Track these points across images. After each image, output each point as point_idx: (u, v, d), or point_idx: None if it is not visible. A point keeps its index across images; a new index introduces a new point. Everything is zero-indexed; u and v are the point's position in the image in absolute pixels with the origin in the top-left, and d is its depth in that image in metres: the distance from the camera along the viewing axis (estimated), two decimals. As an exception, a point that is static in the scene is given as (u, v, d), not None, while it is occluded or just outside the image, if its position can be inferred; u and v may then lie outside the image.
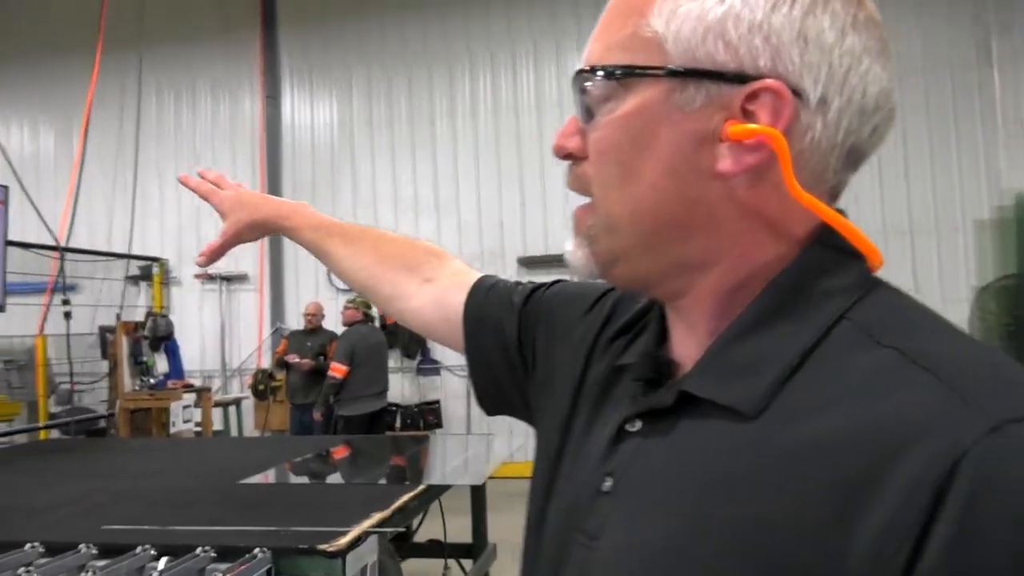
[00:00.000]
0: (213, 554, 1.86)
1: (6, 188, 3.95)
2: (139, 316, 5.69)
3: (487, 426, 7.50)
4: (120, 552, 1.91)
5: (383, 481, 2.87)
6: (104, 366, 5.59)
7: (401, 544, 3.27)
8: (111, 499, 2.50)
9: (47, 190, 7.77)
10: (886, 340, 0.48)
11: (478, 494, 3.36)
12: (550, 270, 6.88)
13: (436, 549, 3.32)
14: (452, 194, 7.71)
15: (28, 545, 1.95)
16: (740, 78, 0.51)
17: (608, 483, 0.57)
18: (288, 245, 7.86)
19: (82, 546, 1.93)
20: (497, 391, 0.85)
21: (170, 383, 4.97)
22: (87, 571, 1.82)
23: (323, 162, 7.93)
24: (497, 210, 7.65)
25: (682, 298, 0.58)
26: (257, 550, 1.83)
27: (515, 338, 0.82)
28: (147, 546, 1.90)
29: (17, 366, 6.18)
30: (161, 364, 5.13)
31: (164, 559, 1.88)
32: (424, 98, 7.80)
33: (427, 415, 7.22)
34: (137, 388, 4.84)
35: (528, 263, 7.42)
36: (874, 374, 0.47)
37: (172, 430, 4.60)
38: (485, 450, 3.57)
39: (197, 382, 7.17)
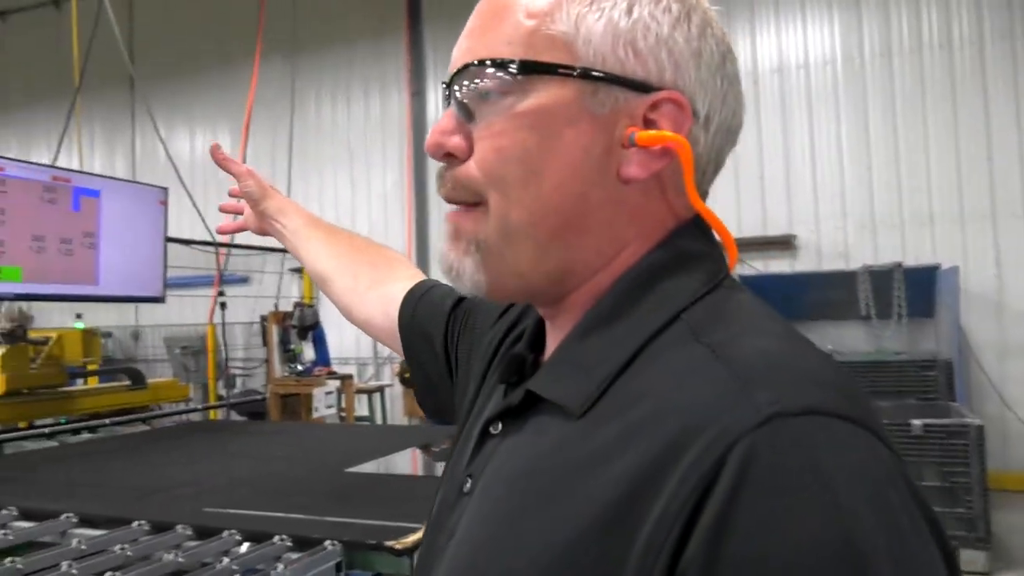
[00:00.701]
0: (289, 543, 1.88)
1: (165, 190, 4.29)
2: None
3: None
4: (211, 535, 1.98)
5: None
6: (264, 353, 5.99)
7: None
8: (225, 482, 2.62)
9: (219, 191, 8.48)
10: (703, 337, 0.49)
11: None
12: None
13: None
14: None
15: (136, 523, 2.08)
16: (645, 87, 0.53)
17: (468, 484, 0.59)
18: (435, 234, 8.08)
19: (179, 527, 2.02)
20: (433, 395, 0.87)
21: (316, 370, 5.24)
22: (176, 551, 1.90)
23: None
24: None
25: (561, 303, 0.58)
26: (328, 542, 1.83)
27: (442, 343, 0.83)
28: (234, 531, 1.96)
29: (192, 352, 6.81)
30: (308, 352, 5.43)
31: (246, 544, 1.93)
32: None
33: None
34: (286, 374, 5.14)
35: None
36: (682, 369, 0.47)
37: (315, 415, 4.84)
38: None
39: (352, 370, 7.54)
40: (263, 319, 6.01)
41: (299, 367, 5.16)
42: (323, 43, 8.52)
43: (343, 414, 5.36)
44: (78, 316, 6.06)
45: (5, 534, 2.06)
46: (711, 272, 0.54)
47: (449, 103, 0.58)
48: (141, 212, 4.18)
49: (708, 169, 0.57)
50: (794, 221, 6.57)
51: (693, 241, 0.55)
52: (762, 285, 5.50)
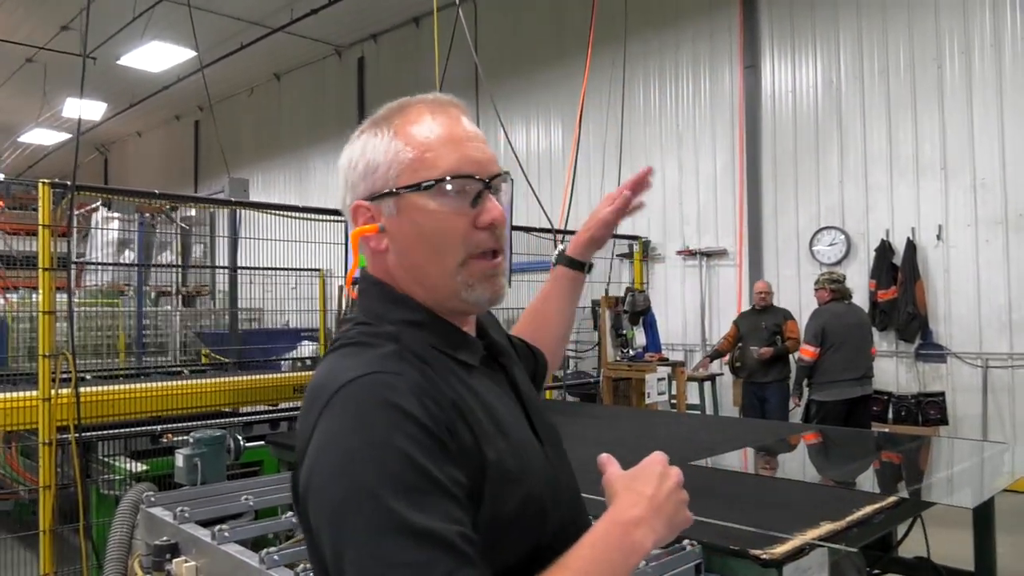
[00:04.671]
0: (644, 537, 1.82)
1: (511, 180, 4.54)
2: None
3: (1013, 430, 6.17)
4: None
5: (849, 483, 2.50)
6: (596, 336, 6.14)
7: (878, 555, 2.83)
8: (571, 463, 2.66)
9: (551, 181, 8.87)
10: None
11: (983, 510, 2.71)
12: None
13: (926, 571, 2.79)
14: (964, 150, 6.48)
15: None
16: None
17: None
18: (768, 219, 7.59)
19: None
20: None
21: (647, 356, 5.21)
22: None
23: (806, 128, 7.41)
24: (1028, 165, 6.19)
25: None
26: (687, 542, 1.73)
27: None
28: (589, 517, 1.95)
29: (531, 334, 7.22)
30: (639, 337, 5.41)
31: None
32: (928, 36, 6.68)
33: (928, 409, 6.22)
34: (618, 359, 5.18)
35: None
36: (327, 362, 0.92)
37: (647, 401, 4.81)
38: (997, 461, 2.87)
39: (679, 356, 7.42)
40: (595, 304, 6.16)
41: (630, 352, 5.18)
42: (651, 26, 8.46)
43: (674, 401, 5.27)
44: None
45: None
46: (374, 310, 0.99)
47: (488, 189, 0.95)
48: (490, 202, 4.50)
49: None
50: None
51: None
52: None
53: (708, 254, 7.99)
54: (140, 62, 10.87)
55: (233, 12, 10.38)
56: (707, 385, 7.17)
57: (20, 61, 12.36)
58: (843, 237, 7.09)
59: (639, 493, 0.89)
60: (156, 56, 10.62)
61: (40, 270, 3.58)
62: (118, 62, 10.96)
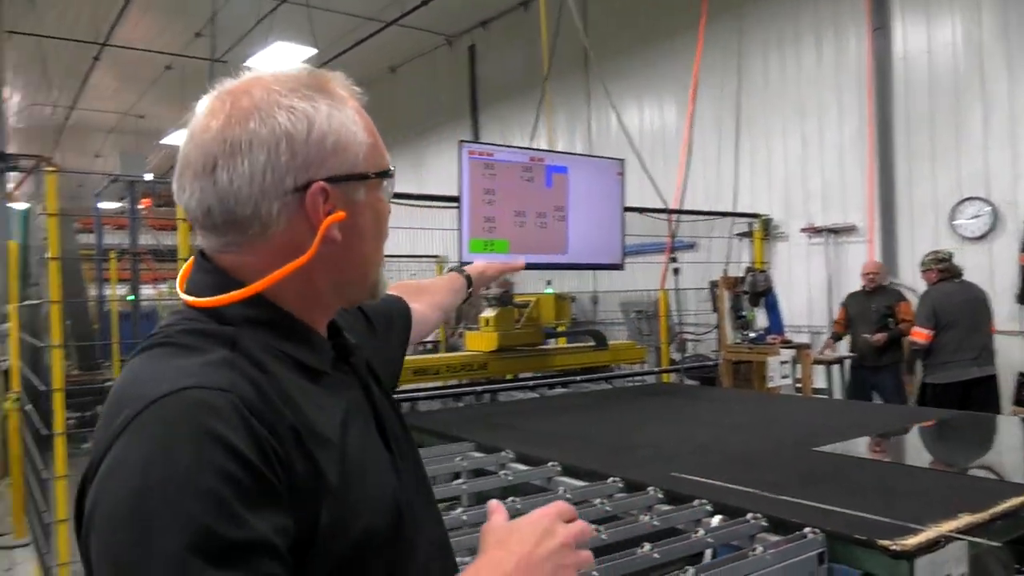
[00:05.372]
0: (764, 523, 1.77)
1: (622, 161, 4.48)
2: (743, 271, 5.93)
3: None
4: (681, 501, 1.97)
5: (991, 472, 2.32)
6: (715, 318, 5.98)
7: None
8: (688, 448, 2.62)
9: (665, 160, 8.68)
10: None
11: None
12: None
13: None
14: None
15: (611, 479, 2.17)
16: None
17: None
18: (902, 191, 7.12)
19: (650, 488, 2.06)
20: None
21: (769, 338, 5.02)
22: (650, 514, 1.92)
23: (943, 91, 6.86)
24: None
25: None
26: (808, 529, 1.66)
27: None
28: (704, 501, 1.92)
29: (646, 316, 7.14)
30: (761, 318, 5.23)
31: (717, 517, 1.86)
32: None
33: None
34: (738, 341, 5.03)
35: None
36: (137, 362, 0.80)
37: (769, 385, 4.64)
38: None
39: (804, 338, 7.11)
40: (713, 284, 5.99)
41: (751, 334, 5.01)
42: (769, -6, 8.08)
43: (799, 386, 5.06)
44: (548, 283, 6.79)
45: (505, 474, 2.33)
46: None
47: None
48: (602, 184, 4.45)
49: None
50: None
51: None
52: None
53: (835, 231, 7.59)
54: (266, 63, 11.46)
55: (349, 9, 10.73)
56: (835, 368, 6.83)
57: (160, 69, 13.30)
58: (989, 208, 6.54)
59: (510, 551, 0.78)
60: (280, 56, 11.16)
61: (178, 261, 3.93)
62: (246, 64, 11.60)
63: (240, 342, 0.78)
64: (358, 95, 0.93)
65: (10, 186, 8.89)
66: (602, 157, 4.90)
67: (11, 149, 9.26)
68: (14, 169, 7.96)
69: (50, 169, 3.88)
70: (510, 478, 2.31)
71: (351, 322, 1.11)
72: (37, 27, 10.91)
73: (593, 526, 1.95)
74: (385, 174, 0.91)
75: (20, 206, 8.63)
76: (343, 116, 0.86)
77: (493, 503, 0.86)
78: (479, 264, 1.68)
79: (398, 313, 1.34)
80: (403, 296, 1.40)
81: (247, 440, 0.68)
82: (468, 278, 1.62)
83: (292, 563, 0.70)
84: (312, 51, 10.39)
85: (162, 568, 0.62)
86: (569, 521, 0.81)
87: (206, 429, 0.67)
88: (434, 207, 4.83)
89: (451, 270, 1.65)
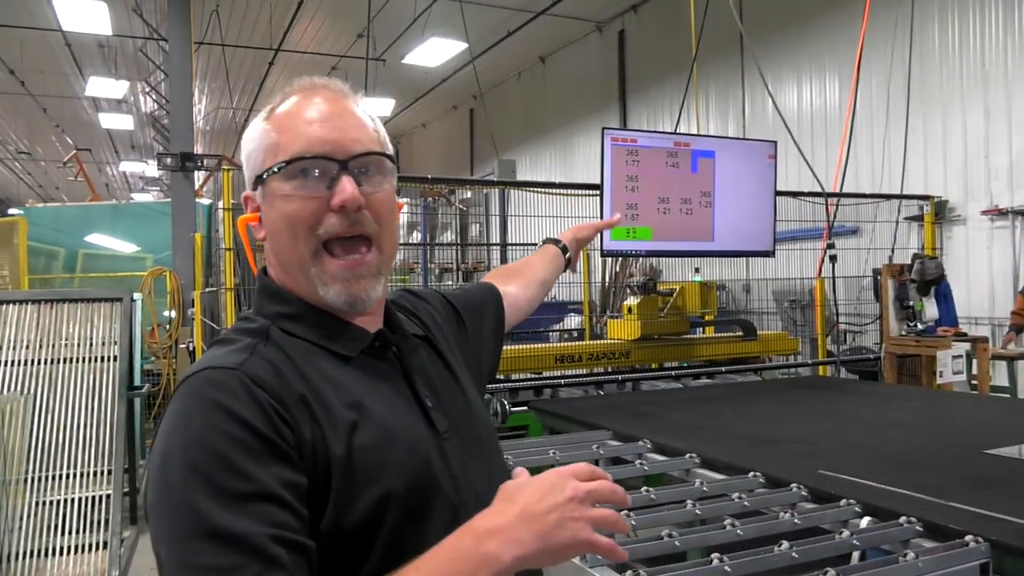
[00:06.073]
0: (919, 527, 1.65)
1: (774, 143, 4.29)
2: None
3: None
4: (828, 500, 1.88)
5: None
6: (877, 309, 5.59)
7: None
8: (839, 445, 2.48)
9: (826, 141, 8.17)
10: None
11: None
12: None
13: None
14: None
15: (752, 473, 2.10)
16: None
17: None
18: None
19: (793, 485, 1.97)
20: None
21: (939, 330, 4.61)
22: (792, 511, 1.85)
23: None
24: None
25: None
26: (970, 537, 1.54)
27: None
28: (852, 501, 1.82)
29: (800, 305, 6.77)
30: (931, 309, 4.81)
31: (867, 519, 1.76)
32: None
33: None
34: (904, 333, 4.66)
35: None
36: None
37: (938, 381, 4.27)
38: None
39: (984, 331, 6.48)
40: (876, 272, 5.59)
41: (919, 326, 4.63)
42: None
43: (974, 382, 4.63)
44: (696, 270, 6.61)
45: (641, 464, 2.31)
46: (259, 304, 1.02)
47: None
48: (751, 168, 4.27)
49: None
50: None
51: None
52: None
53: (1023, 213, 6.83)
54: (421, 59, 11.91)
55: (500, 2, 10.91)
56: (1020, 364, 6.17)
57: (327, 69, 14.15)
58: None
59: (511, 501, 0.79)
60: (434, 52, 11.56)
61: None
62: (403, 61, 12.11)
63: (271, 333, 0.91)
64: (322, 88, 0.99)
65: (197, 184, 9.80)
66: (752, 140, 4.69)
67: (198, 150, 10.19)
68: (201, 168, 8.75)
69: (227, 167, 4.23)
70: (646, 468, 2.28)
71: (436, 318, 1.16)
72: (221, 37, 11.96)
73: (644, 491, 1.87)
74: (271, 171, 0.92)
75: (204, 201, 9.52)
76: (253, 125, 0.97)
77: (518, 469, 0.88)
78: (571, 229, 1.67)
79: (490, 300, 1.36)
80: (494, 282, 1.43)
81: (251, 407, 0.80)
82: (563, 246, 1.61)
83: (306, 515, 0.78)
84: (463, 45, 10.66)
85: (181, 511, 0.74)
86: (587, 480, 0.80)
87: (213, 400, 0.80)
88: (577, 195, 4.84)
89: (545, 241, 1.64)
